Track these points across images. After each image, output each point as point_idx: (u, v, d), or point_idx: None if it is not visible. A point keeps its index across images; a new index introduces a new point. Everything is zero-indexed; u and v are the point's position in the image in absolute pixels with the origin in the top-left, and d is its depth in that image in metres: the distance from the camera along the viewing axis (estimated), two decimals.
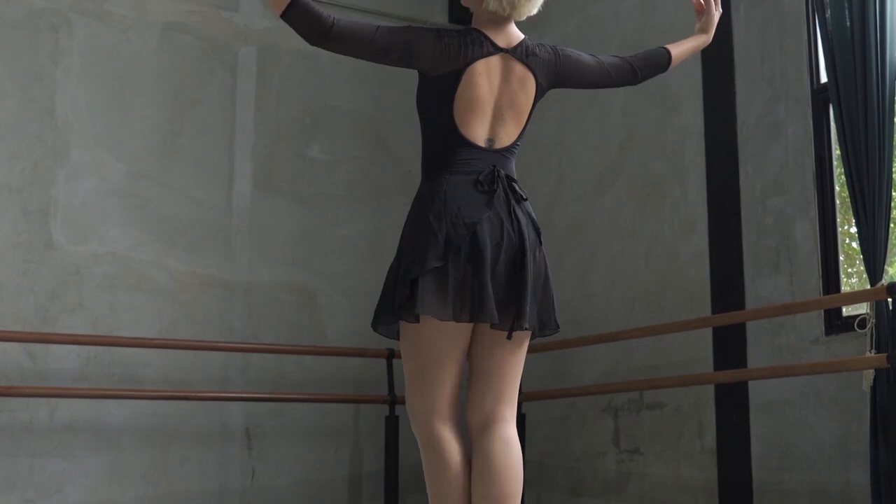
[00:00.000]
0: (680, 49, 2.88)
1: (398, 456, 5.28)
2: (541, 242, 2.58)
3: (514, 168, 2.63)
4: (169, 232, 5.39)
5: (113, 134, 5.32)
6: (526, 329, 2.52)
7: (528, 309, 2.49)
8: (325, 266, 5.78)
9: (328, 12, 2.49)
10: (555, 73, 2.65)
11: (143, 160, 5.38)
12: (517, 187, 2.59)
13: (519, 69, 2.60)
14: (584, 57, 2.72)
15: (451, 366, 2.56)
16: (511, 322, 2.50)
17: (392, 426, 5.30)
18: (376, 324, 2.62)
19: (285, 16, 2.46)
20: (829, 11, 4.12)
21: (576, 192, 5.62)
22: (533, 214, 2.61)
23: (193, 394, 5.17)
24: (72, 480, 4.96)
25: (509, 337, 2.54)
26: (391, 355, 5.37)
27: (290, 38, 5.88)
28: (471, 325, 2.54)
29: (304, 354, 5.55)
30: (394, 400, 5.32)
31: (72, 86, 5.24)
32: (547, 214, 5.54)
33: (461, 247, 2.46)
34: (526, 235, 2.52)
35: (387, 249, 5.94)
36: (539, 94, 2.65)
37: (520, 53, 2.61)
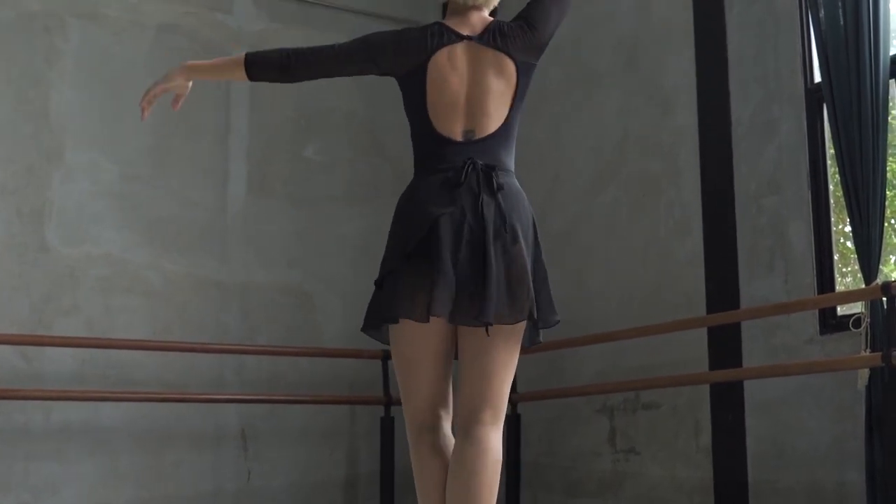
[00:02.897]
0: None
1: (394, 457, 5.27)
2: (517, 236, 2.47)
3: (503, 153, 2.54)
4: (163, 234, 5.38)
5: (107, 136, 5.31)
6: (489, 324, 2.42)
7: (490, 304, 2.39)
8: (321, 267, 5.77)
9: (283, 50, 2.62)
10: (533, 43, 2.59)
11: (137, 162, 5.37)
12: (495, 177, 2.49)
13: (490, 55, 2.55)
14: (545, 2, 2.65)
15: (431, 367, 2.54)
16: (473, 317, 2.43)
17: (387, 427, 5.30)
18: (364, 327, 2.62)
19: (252, 77, 2.64)
20: (822, 11, 4.12)
21: (571, 193, 5.62)
22: (510, 205, 2.49)
23: (188, 396, 5.17)
24: (67, 483, 4.95)
25: (485, 332, 2.48)
26: (387, 356, 5.37)
27: (284, 41, 5.88)
28: (445, 324, 2.50)
29: (300, 356, 5.55)
30: (389, 401, 5.32)
31: (66, 88, 5.24)
32: (543, 215, 5.49)
33: (422, 246, 2.45)
34: (489, 228, 2.44)
35: (382, 251, 5.94)
36: (523, 71, 2.57)
37: (487, 39, 2.56)
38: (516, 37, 2.57)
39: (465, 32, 2.58)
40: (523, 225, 2.50)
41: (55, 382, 4.95)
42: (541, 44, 2.61)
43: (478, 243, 2.44)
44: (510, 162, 2.58)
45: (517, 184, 2.58)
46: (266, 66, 2.64)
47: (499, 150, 2.55)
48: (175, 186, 5.46)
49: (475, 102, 2.54)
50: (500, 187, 2.49)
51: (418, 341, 2.54)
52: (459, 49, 2.57)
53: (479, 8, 2.62)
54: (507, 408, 2.81)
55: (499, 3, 2.71)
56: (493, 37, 2.57)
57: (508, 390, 2.55)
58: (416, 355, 2.56)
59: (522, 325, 2.52)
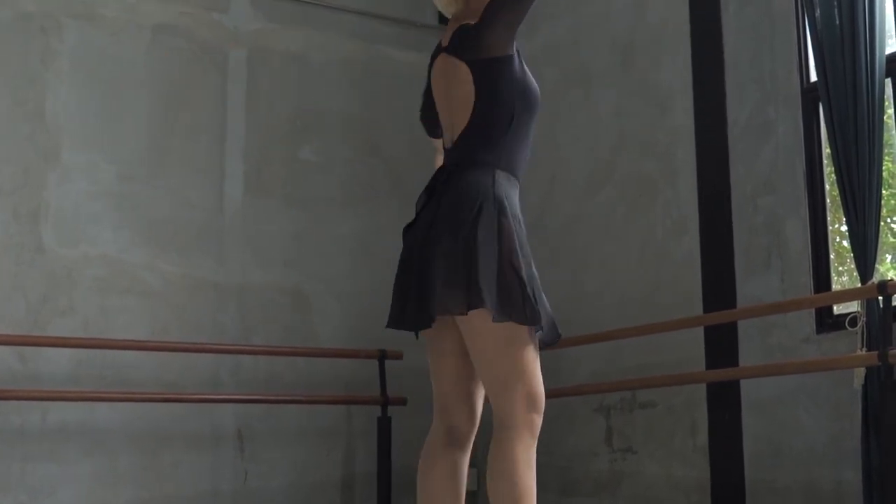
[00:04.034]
0: None
1: (391, 457, 5.27)
2: (435, 226, 2.44)
3: (472, 149, 2.52)
4: (160, 234, 5.38)
5: (104, 136, 5.30)
6: (425, 324, 2.47)
7: (426, 302, 2.42)
8: (318, 268, 5.77)
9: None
10: (478, 39, 2.53)
11: (134, 162, 5.37)
12: (447, 174, 2.51)
13: (450, 62, 2.59)
14: None
15: (437, 373, 2.58)
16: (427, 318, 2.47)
17: (384, 427, 5.29)
18: None
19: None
20: (818, 11, 4.13)
21: (568, 193, 5.63)
22: (444, 196, 2.47)
23: (185, 396, 5.16)
24: (64, 484, 4.94)
25: (416, 336, 2.57)
26: (383, 356, 5.37)
27: (281, 40, 5.90)
28: (436, 332, 2.52)
29: (297, 356, 5.54)
30: (386, 401, 5.32)
31: (62, 88, 5.23)
32: (539, 215, 5.55)
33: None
34: (419, 231, 2.49)
35: (379, 251, 5.96)
36: (478, 69, 2.53)
37: (449, 47, 2.61)
38: (467, 37, 2.56)
39: (443, 45, 2.65)
40: (457, 213, 2.44)
41: (52, 383, 4.95)
42: (485, 39, 2.51)
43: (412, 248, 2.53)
44: (483, 153, 2.52)
45: (470, 173, 2.49)
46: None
47: (468, 147, 2.54)
48: (172, 187, 5.45)
49: (451, 111, 2.60)
50: (446, 182, 2.51)
51: (428, 348, 2.62)
52: (437, 63, 2.66)
53: (453, 16, 2.66)
54: None
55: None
56: (452, 43, 2.60)
57: (510, 393, 2.41)
58: (430, 360, 2.62)
59: (484, 321, 2.39)
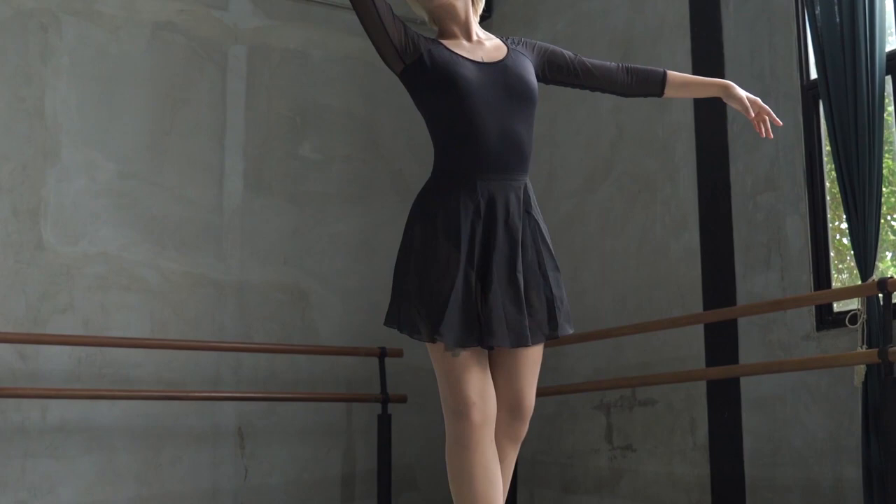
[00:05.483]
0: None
1: (391, 454, 5.27)
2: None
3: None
4: (160, 231, 5.38)
5: (103, 134, 5.30)
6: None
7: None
8: (317, 265, 5.77)
9: None
10: None
11: (133, 160, 5.37)
12: None
13: None
14: None
15: None
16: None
17: (385, 424, 5.29)
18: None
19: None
20: (818, 8, 4.12)
21: (567, 190, 5.62)
22: None
23: (185, 394, 5.16)
24: (64, 481, 4.95)
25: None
26: (384, 354, 5.37)
27: (281, 37, 5.89)
28: None
29: (297, 353, 5.55)
30: (386, 398, 5.32)
31: (62, 86, 5.23)
32: None
33: None
34: None
35: (378, 248, 5.97)
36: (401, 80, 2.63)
37: None
38: None
39: None
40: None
41: (51, 381, 4.95)
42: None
43: None
44: (434, 162, 2.60)
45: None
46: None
47: None
48: (171, 184, 5.45)
49: None
50: None
51: None
52: None
53: None
54: None
55: (486, 2, 2.82)
56: None
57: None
58: None
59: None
